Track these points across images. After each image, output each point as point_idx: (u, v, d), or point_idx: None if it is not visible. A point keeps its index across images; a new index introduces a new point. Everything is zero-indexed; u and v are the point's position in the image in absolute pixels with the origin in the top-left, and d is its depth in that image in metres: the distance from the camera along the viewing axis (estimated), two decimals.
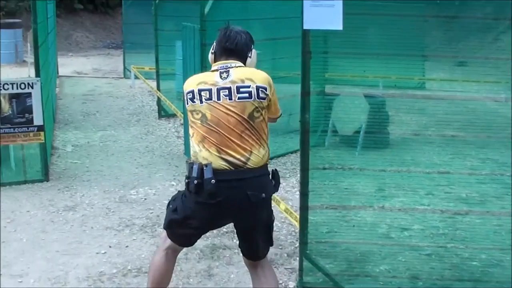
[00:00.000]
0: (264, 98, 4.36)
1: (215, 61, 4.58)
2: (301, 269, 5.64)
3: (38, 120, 8.45)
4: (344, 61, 6.50)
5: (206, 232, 5.04)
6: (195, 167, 4.35)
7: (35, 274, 5.96)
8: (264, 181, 4.40)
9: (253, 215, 4.44)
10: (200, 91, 4.38)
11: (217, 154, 4.29)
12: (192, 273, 6.02)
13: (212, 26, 8.66)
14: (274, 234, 6.71)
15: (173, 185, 8.67)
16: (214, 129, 4.31)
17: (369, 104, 9.17)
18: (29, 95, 8.35)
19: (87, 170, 9.45)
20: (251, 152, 4.29)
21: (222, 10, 8.85)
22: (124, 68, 20.37)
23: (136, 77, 17.38)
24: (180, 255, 6.15)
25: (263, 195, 4.33)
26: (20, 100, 8.33)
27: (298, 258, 5.76)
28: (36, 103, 8.39)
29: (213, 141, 4.31)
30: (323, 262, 5.68)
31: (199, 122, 4.39)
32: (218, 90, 4.33)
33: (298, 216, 5.80)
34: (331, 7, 4.88)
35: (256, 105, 4.32)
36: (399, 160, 7.65)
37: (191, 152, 4.53)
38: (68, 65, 23.11)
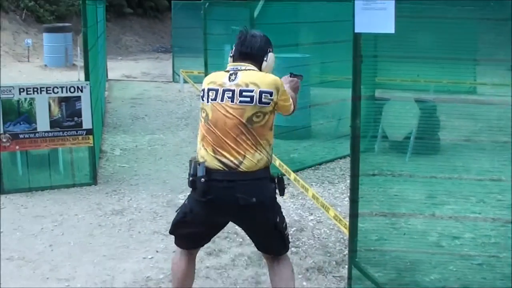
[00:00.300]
0: (267, 103, 4.39)
1: (232, 61, 4.66)
2: (350, 277, 5.53)
3: (87, 123, 8.47)
4: (394, 65, 6.38)
5: (209, 233, 4.91)
6: (193, 164, 4.47)
7: (82, 278, 5.94)
8: (256, 186, 4.40)
9: (246, 218, 4.55)
10: (209, 90, 4.49)
11: (213, 154, 4.38)
12: (239, 280, 5.94)
13: (261, 30, 8.55)
14: (323, 241, 6.69)
15: None
16: (212, 129, 4.41)
17: (420, 109, 9.02)
18: (78, 98, 8.38)
19: (135, 174, 9.45)
20: (244, 156, 4.34)
21: (272, 13, 8.78)
22: (173, 72, 20.44)
23: (185, 81, 17.42)
24: (227, 261, 6.11)
25: (254, 199, 4.32)
26: (70, 103, 8.36)
27: (346, 266, 5.67)
28: (85, 106, 8.42)
29: (210, 141, 4.41)
30: (372, 270, 5.57)
31: (203, 120, 4.52)
32: (224, 92, 4.42)
33: (347, 223, 5.69)
34: (383, 10, 4.78)
35: (257, 110, 4.36)
36: (449, 166, 7.48)
37: (197, 150, 4.60)
38: (117, 68, 23.29)
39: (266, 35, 4.81)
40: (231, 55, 4.69)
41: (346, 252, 6.08)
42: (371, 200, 5.68)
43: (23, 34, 27.53)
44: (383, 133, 9.37)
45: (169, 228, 4.91)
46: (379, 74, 6.25)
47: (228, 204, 4.38)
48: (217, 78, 4.53)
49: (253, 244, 6.48)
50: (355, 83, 5.20)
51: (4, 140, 8.17)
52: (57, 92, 8.30)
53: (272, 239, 4.67)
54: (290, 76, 5.09)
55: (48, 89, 8.29)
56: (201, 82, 12.91)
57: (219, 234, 6.50)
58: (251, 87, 4.37)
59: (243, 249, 6.54)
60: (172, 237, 5.74)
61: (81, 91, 8.38)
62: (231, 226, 7.10)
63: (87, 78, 8.62)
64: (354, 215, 5.36)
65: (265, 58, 4.64)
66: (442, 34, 6.05)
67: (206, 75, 13.59)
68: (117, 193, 8.51)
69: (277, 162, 8.03)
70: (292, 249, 6.52)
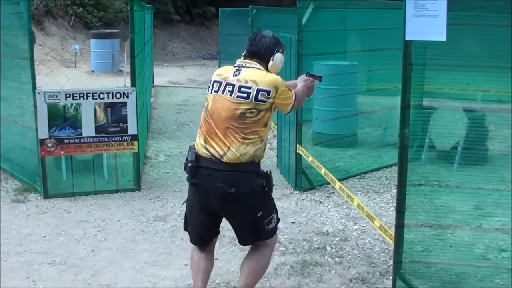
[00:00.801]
0: (263, 101, 4.62)
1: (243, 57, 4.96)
2: None
3: (132, 129, 8.47)
4: (443, 73, 6.28)
5: (209, 223, 5.08)
6: (189, 150, 4.89)
7: (123, 284, 5.93)
8: (237, 177, 4.62)
9: (226, 207, 4.78)
10: (214, 82, 4.84)
11: (203, 143, 4.73)
12: None
13: (309, 36, 8.53)
14: (367, 251, 6.59)
15: None
16: (208, 119, 4.75)
17: (468, 119, 8.87)
18: (124, 104, 8.38)
19: (179, 180, 9.42)
20: (229, 148, 4.60)
21: (320, 20, 8.70)
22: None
23: None
24: (270, 270, 6.04)
25: (233, 190, 4.56)
26: (115, 109, 8.37)
27: (391, 278, 5.57)
28: (130, 112, 8.42)
29: (204, 130, 4.76)
30: (417, 282, 5.45)
31: (204, 110, 4.87)
32: (226, 85, 4.72)
33: (392, 234, 5.58)
34: (434, 18, 4.69)
35: (252, 106, 4.61)
36: (498, 177, 7.31)
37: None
38: (164, 75, 23.40)
39: (277, 37, 5.02)
40: (243, 54, 4.95)
41: (391, 263, 5.98)
42: (417, 210, 5.57)
43: (70, 40, 27.82)
44: (430, 142, 9.23)
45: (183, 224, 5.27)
46: (426, 83, 6.16)
47: (211, 191, 4.68)
48: (224, 72, 4.85)
49: (296, 253, 6.46)
50: (405, 91, 5.11)
51: (50, 145, 8.20)
52: (103, 97, 8.31)
53: (248, 232, 4.93)
54: (306, 76, 5.36)
55: (94, 94, 8.31)
56: None
57: None
58: (249, 84, 4.63)
59: (286, 258, 6.47)
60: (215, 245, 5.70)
61: (127, 97, 8.38)
62: None
63: (133, 84, 8.62)
64: (400, 225, 5.26)
65: (272, 58, 4.86)
66: (492, 43, 5.94)
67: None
68: (161, 199, 8.50)
69: (322, 170, 7.94)
70: (336, 259, 6.46)
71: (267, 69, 4.84)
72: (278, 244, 6.77)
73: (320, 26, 8.72)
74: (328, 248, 6.76)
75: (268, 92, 4.61)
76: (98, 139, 8.36)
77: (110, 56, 23.78)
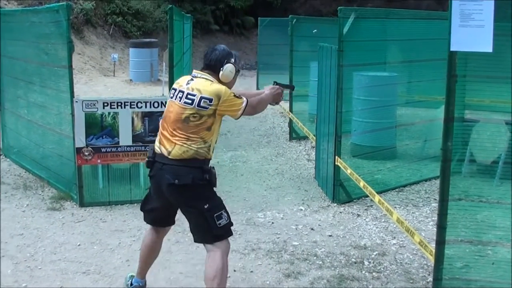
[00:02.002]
0: (205, 108, 5.17)
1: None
2: None
3: None
4: (485, 85, 6.15)
5: (166, 211, 5.61)
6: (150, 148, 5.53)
7: None
8: (181, 170, 5.17)
9: (173, 197, 5.28)
10: (172, 89, 5.47)
11: (159, 141, 5.36)
12: None
13: (350, 47, 8.42)
14: (406, 266, 6.46)
15: (301, 209, 8.45)
16: (164, 121, 5.38)
17: (511, 132, 8.70)
18: (161, 114, 8.30)
19: (215, 190, 9.34)
20: (174, 145, 5.19)
21: (361, 30, 8.58)
22: (257, 89, 20.42)
23: None
24: (306, 284, 5.96)
25: (176, 181, 5.13)
26: (153, 118, 8.32)
27: None
28: None
29: (161, 130, 5.38)
30: None
31: (163, 114, 5.50)
32: (179, 92, 5.32)
33: (433, 250, 5.45)
34: (481, 28, 4.56)
35: (194, 112, 5.17)
36: None
37: None
38: None
39: (228, 49, 5.57)
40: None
41: (430, 279, 5.88)
42: (457, 226, 5.43)
43: (110, 49, 28.00)
44: (470, 156, 9.06)
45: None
46: (468, 95, 6.03)
47: (162, 182, 5.24)
48: (181, 81, 5.48)
49: (333, 267, 6.35)
50: (448, 103, 5.00)
51: (86, 153, 8.19)
52: (141, 107, 8.28)
53: (198, 224, 5.31)
54: (274, 84, 5.99)
55: (132, 103, 8.28)
56: (285, 100, 12.81)
57: (298, 256, 6.36)
58: (194, 92, 5.21)
59: (323, 272, 6.36)
60: (251, 257, 5.63)
61: (165, 106, 8.30)
62: (310, 248, 6.97)
63: None
64: (441, 242, 5.13)
65: (221, 68, 5.38)
66: None
67: (290, 92, 13.56)
68: None
69: (361, 183, 7.82)
70: (374, 274, 6.34)
71: (219, 79, 5.39)
72: (315, 257, 6.68)
73: (361, 36, 8.61)
74: (366, 263, 6.64)
75: (210, 100, 5.17)
76: (135, 148, 8.33)
77: (148, 65, 23.86)
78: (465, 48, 4.75)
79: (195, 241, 5.48)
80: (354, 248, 7.05)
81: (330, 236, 7.47)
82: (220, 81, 5.38)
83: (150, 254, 5.77)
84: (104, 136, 8.26)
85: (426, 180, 9.88)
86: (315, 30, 14.06)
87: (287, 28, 13.94)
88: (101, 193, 8.65)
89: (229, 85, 5.47)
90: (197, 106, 5.16)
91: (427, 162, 10.38)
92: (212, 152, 5.42)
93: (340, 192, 8.75)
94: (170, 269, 6.46)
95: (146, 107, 8.30)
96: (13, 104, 11.33)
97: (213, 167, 5.47)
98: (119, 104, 8.27)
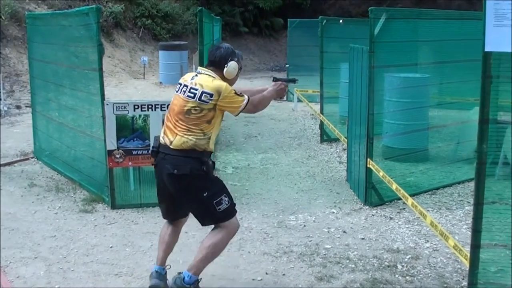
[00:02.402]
0: (206, 102, 5.49)
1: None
2: None
3: None
4: None
5: (172, 202, 5.82)
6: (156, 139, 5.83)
7: None
8: (180, 161, 5.48)
9: (173, 186, 5.57)
10: (178, 84, 5.77)
11: (163, 132, 5.68)
12: None
13: (381, 48, 8.34)
14: (439, 270, 6.41)
15: (333, 212, 8.40)
16: (168, 114, 5.73)
17: None
18: None
19: (247, 193, 9.34)
20: (176, 135, 5.51)
21: (392, 31, 8.50)
22: (287, 90, 20.37)
23: (299, 100, 17.30)
24: (339, 287, 5.87)
25: (175, 171, 5.44)
26: None
27: None
28: None
29: (166, 122, 5.71)
30: None
31: (169, 106, 5.82)
32: (183, 86, 5.65)
33: (467, 254, 5.37)
34: None
35: (196, 105, 5.49)
36: None
37: None
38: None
39: (232, 48, 5.87)
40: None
41: (464, 283, 5.82)
42: (492, 229, 5.35)
43: (139, 51, 28.10)
44: (504, 158, 8.95)
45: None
46: (500, 96, 5.95)
47: (163, 171, 5.56)
48: (187, 76, 5.82)
49: (366, 271, 6.30)
50: (484, 105, 4.91)
51: (118, 156, 8.20)
52: None
53: (199, 209, 5.64)
54: (273, 80, 6.25)
55: (162, 106, 8.27)
56: (316, 101, 12.89)
57: (330, 259, 6.31)
58: (197, 87, 5.54)
59: (355, 275, 6.31)
60: (283, 260, 5.61)
61: None
62: (343, 251, 6.91)
63: None
64: (476, 246, 5.05)
65: (226, 65, 5.70)
66: None
67: (321, 94, 13.52)
68: None
69: (393, 186, 7.75)
70: (407, 277, 6.27)
71: (223, 75, 5.72)
72: (347, 261, 6.63)
73: (392, 37, 8.53)
74: (399, 266, 6.57)
75: (211, 95, 5.49)
76: None
77: (178, 67, 23.86)
78: (500, 48, 4.67)
79: (202, 225, 5.82)
80: (387, 252, 6.99)
81: (362, 239, 7.41)
82: (223, 78, 5.71)
83: (168, 246, 6.02)
84: (135, 139, 8.27)
85: (459, 183, 9.76)
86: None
87: (316, 29, 13.87)
88: (132, 195, 8.66)
89: (231, 81, 5.81)
90: (198, 99, 5.49)
91: (460, 165, 10.27)
92: (213, 145, 5.71)
93: (372, 194, 8.69)
94: (202, 271, 6.42)
95: None
96: (44, 107, 11.39)
97: (212, 160, 5.77)
98: (150, 106, 8.27)
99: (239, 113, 5.77)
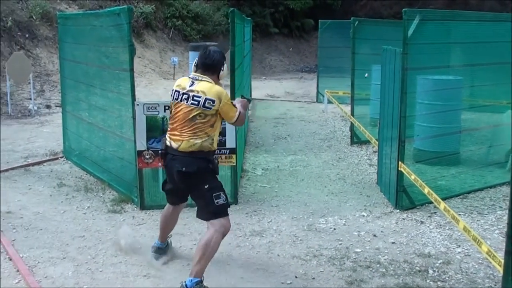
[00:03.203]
0: (209, 108, 5.94)
1: (195, 71, 6.20)
2: None
3: (230, 143, 8.37)
4: None
5: (178, 192, 6.45)
6: (162, 142, 6.32)
7: None
8: (187, 160, 5.97)
9: (183, 182, 6.11)
10: (175, 91, 6.13)
11: (170, 136, 6.15)
12: None
13: (415, 50, 8.25)
14: (471, 276, 6.31)
15: (363, 215, 8.32)
16: (173, 120, 6.16)
17: None
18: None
19: (276, 195, 9.28)
20: (182, 140, 6.00)
21: (426, 33, 8.40)
22: (317, 92, 20.31)
23: (329, 102, 17.21)
24: None
25: (184, 169, 5.93)
26: None
27: None
28: (229, 126, 8.29)
29: (171, 127, 6.18)
30: None
31: (170, 113, 6.28)
32: (183, 94, 6.04)
33: (501, 260, 5.27)
34: None
35: (200, 111, 5.94)
36: None
37: None
38: (261, 88, 23.39)
39: (220, 50, 6.34)
40: (195, 64, 6.24)
41: None
42: None
43: (169, 52, 28.17)
44: None
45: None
46: None
47: (172, 170, 6.07)
48: (183, 83, 6.16)
49: (396, 275, 6.22)
50: None
51: (147, 156, 8.17)
52: None
53: (201, 201, 6.08)
54: (241, 97, 6.83)
55: None
56: (346, 103, 12.81)
57: (361, 263, 6.26)
58: (200, 94, 5.95)
59: (386, 280, 6.24)
60: (312, 263, 5.57)
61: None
62: (373, 255, 6.84)
63: (232, 97, 8.46)
64: (510, 252, 4.93)
65: (222, 68, 6.16)
66: None
67: (352, 96, 13.44)
68: (257, 213, 8.37)
69: (425, 189, 7.66)
70: (438, 283, 6.20)
71: (217, 78, 6.15)
72: (378, 265, 6.56)
73: (426, 39, 8.43)
74: (430, 271, 6.48)
75: (213, 101, 5.93)
76: None
77: None
78: None
79: (197, 216, 6.25)
80: (418, 256, 6.90)
81: (393, 243, 7.32)
82: (216, 82, 6.14)
83: (166, 225, 6.79)
84: None
85: (490, 187, 9.63)
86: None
87: (347, 31, 13.77)
88: (161, 196, 8.57)
89: (220, 82, 6.24)
90: (202, 106, 5.93)
91: (492, 169, 10.14)
92: (216, 144, 6.19)
93: (403, 198, 8.59)
94: (230, 273, 6.39)
95: None
96: (74, 106, 11.43)
97: (216, 158, 6.28)
98: None
99: (233, 123, 6.35)
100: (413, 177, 8.13)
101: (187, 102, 5.96)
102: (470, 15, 9.99)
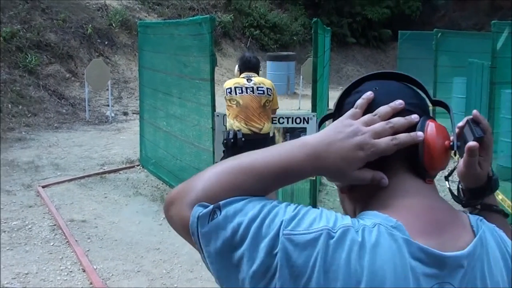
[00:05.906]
0: (270, 95, 7.32)
1: (240, 73, 7.52)
2: None
3: None
4: None
5: None
6: (231, 132, 7.11)
7: None
8: (266, 139, 7.13)
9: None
10: (236, 87, 7.26)
11: (245, 125, 7.16)
12: None
13: (504, 63, 7.89)
14: None
15: None
16: (244, 110, 7.17)
17: None
18: (303, 130, 8.01)
19: None
20: (264, 123, 7.23)
21: None
22: None
23: None
24: None
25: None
26: (294, 135, 8.02)
27: None
28: None
29: (243, 117, 7.17)
30: None
31: (234, 105, 7.21)
32: (246, 88, 7.26)
33: None
34: None
35: (267, 98, 7.30)
36: None
37: (228, 125, 7.33)
38: None
39: (256, 56, 8.25)
40: (238, 69, 7.61)
41: None
42: None
43: None
44: None
45: None
46: None
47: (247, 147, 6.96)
48: (239, 81, 7.34)
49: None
50: None
51: None
52: (283, 122, 7.99)
53: None
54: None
55: (273, 119, 8.02)
56: None
57: None
58: (261, 85, 7.32)
59: None
60: None
61: (307, 122, 8.01)
62: None
63: (314, 109, 8.24)
64: None
65: (260, 69, 7.80)
66: None
67: (433, 109, 13.01)
68: None
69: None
70: None
71: (258, 74, 7.56)
72: None
73: None
74: None
75: (270, 90, 7.36)
76: None
77: (285, 78, 23.79)
78: None
79: None
80: None
81: None
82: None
83: None
84: None
85: None
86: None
87: (427, 42, 13.45)
88: None
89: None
90: (267, 94, 7.27)
91: None
92: None
93: None
94: None
95: (288, 122, 8.01)
96: (151, 115, 11.37)
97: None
98: None
99: (277, 109, 7.68)
100: (500, 197, 7.77)
101: (254, 93, 7.21)
102: None
